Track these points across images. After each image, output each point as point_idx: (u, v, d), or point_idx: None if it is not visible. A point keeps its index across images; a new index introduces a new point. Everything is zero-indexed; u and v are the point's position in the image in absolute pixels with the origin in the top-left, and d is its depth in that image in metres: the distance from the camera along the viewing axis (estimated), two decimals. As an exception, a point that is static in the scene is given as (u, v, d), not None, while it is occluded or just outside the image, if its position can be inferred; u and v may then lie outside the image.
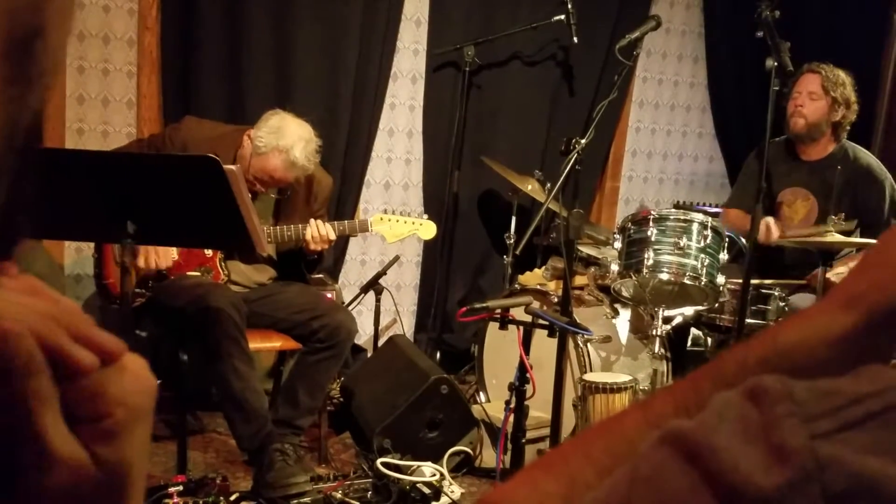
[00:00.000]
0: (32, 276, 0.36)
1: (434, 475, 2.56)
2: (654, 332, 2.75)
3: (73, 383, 0.34)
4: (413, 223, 2.86)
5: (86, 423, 0.34)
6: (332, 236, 2.72)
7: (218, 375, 2.51)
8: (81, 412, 0.34)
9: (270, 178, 2.65)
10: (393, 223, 2.83)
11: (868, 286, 0.46)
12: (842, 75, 3.10)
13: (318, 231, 2.68)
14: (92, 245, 3.04)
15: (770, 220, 3.11)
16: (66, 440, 0.33)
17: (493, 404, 3.05)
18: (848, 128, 3.16)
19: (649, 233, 2.73)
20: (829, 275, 2.82)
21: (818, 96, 3.09)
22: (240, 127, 2.78)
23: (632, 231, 2.80)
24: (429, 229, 2.89)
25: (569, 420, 2.73)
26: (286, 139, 2.60)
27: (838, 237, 2.70)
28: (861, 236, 3.11)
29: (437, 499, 2.51)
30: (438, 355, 3.71)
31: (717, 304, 2.92)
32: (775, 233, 3.06)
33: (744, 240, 3.33)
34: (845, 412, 0.33)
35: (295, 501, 2.44)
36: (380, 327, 3.36)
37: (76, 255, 3.36)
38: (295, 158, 2.60)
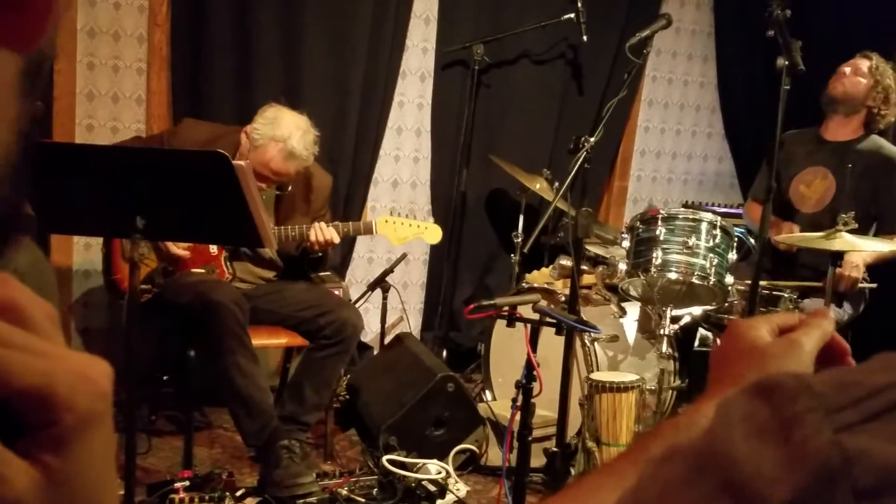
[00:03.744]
0: (9, 272, 0.35)
1: (440, 473, 2.56)
2: (661, 332, 2.74)
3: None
4: (419, 226, 2.81)
5: (32, 431, 0.32)
6: (336, 239, 2.70)
7: (221, 372, 2.51)
8: (26, 420, 0.32)
9: (269, 171, 2.61)
10: (398, 226, 2.79)
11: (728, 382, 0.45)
12: (890, 70, 3.15)
13: (322, 234, 2.67)
14: (100, 241, 3.05)
15: (790, 224, 3.12)
16: None
17: (499, 403, 3.04)
18: (881, 126, 3.18)
19: (658, 232, 2.71)
20: (843, 270, 2.83)
21: (863, 75, 3.14)
22: (238, 128, 2.76)
23: (640, 230, 2.79)
24: (434, 233, 2.85)
25: (575, 419, 2.72)
26: (282, 129, 2.58)
27: (848, 238, 2.68)
28: (878, 232, 3.10)
29: (443, 496, 2.51)
30: (445, 353, 3.71)
31: (725, 304, 2.90)
32: (791, 231, 3.08)
33: (753, 240, 3.33)
34: (866, 403, 0.32)
35: (301, 501, 2.44)
36: (386, 325, 3.36)
37: (84, 251, 3.37)
38: (292, 148, 2.57)
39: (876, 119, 3.15)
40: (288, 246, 2.79)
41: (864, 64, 3.15)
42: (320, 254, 2.77)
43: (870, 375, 0.34)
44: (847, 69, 3.16)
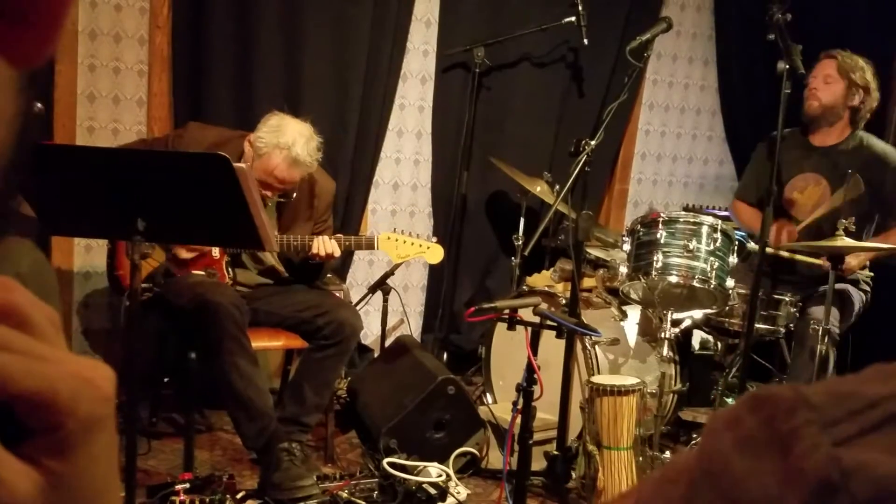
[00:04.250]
0: (10, 275, 0.35)
1: (440, 476, 2.56)
2: (662, 335, 2.74)
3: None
4: (420, 245, 2.80)
5: (34, 435, 0.32)
6: (338, 252, 2.70)
7: (220, 374, 2.51)
8: (29, 425, 0.32)
9: (274, 179, 2.61)
10: (400, 243, 2.79)
11: None
12: (860, 61, 3.08)
13: (325, 247, 2.66)
14: (101, 242, 3.05)
15: (787, 224, 3.10)
16: (1, 462, 0.31)
17: (499, 406, 3.04)
18: (868, 116, 3.12)
19: (659, 235, 2.72)
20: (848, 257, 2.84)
21: (833, 79, 3.07)
22: (244, 133, 2.76)
23: (641, 233, 2.79)
24: (436, 253, 2.83)
25: (576, 422, 2.72)
26: (286, 137, 2.58)
27: (849, 241, 2.69)
28: (875, 230, 3.09)
29: (443, 499, 2.51)
30: (445, 356, 3.71)
31: (726, 308, 2.90)
32: (786, 238, 3.07)
33: (753, 243, 3.32)
34: (864, 415, 0.32)
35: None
36: (387, 327, 3.36)
37: (85, 253, 3.37)
38: (297, 155, 2.57)
39: (863, 113, 3.11)
40: (289, 254, 2.79)
41: (830, 67, 3.09)
42: (320, 262, 2.78)
43: (866, 386, 0.34)
44: (815, 80, 3.10)
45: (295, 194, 2.78)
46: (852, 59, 3.07)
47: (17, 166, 0.35)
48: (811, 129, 3.19)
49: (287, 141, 2.58)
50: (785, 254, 3.07)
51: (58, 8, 0.33)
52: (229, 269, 2.79)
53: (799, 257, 3.06)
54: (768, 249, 2.90)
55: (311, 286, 2.93)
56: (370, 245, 2.80)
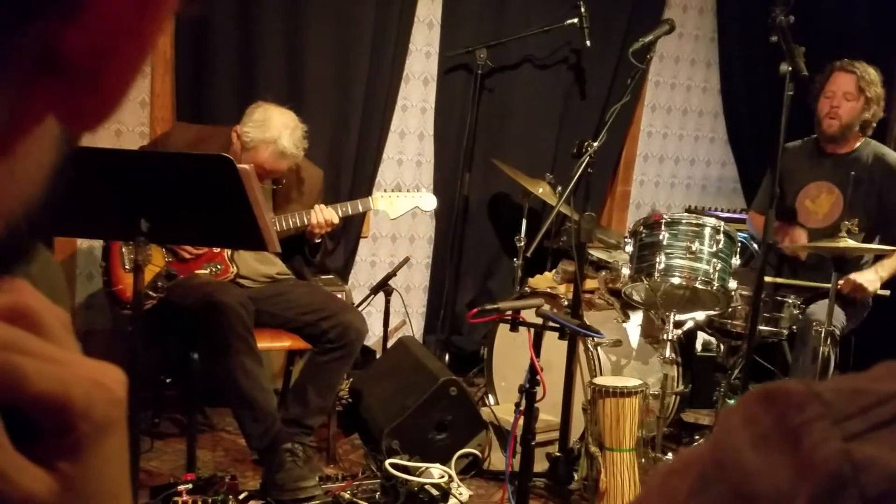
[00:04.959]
0: (21, 276, 0.35)
1: (442, 477, 2.56)
2: (664, 337, 2.74)
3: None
4: (413, 196, 2.94)
5: (47, 438, 0.32)
6: (336, 219, 2.74)
7: (226, 373, 2.51)
8: (42, 427, 0.32)
9: (263, 171, 2.65)
10: (394, 199, 2.91)
11: None
12: (873, 72, 3.07)
13: (322, 215, 2.70)
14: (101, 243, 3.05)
15: (798, 230, 3.09)
16: (14, 465, 0.31)
17: (501, 407, 3.04)
18: (874, 124, 3.13)
19: (661, 237, 2.72)
20: (858, 278, 2.88)
21: (853, 97, 3.05)
22: (225, 127, 2.78)
23: (644, 235, 2.79)
24: (429, 200, 2.97)
25: (578, 423, 2.72)
26: (272, 131, 2.63)
27: (852, 243, 2.68)
28: (883, 239, 3.08)
29: (445, 500, 2.51)
30: (447, 357, 3.71)
31: (728, 310, 2.90)
32: (799, 240, 3.07)
33: (756, 245, 3.32)
34: (875, 412, 0.32)
35: (304, 504, 2.45)
36: (389, 329, 3.36)
37: (88, 253, 3.38)
38: (283, 148, 2.63)
39: (871, 122, 3.11)
40: (289, 232, 2.80)
41: (849, 83, 3.05)
42: (318, 240, 2.78)
43: (876, 383, 0.34)
44: (834, 97, 3.07)
45: (284, 181, 2.82)
46: (869, 74, 3.05)
47: (42, 215, 0.35)
48: (825, 142, 3.19)
49: (273, 135, 2.62)
50: (789, 299, 3.05)
51: (129, 76, 0.32)
52: (233, 261, 2.79)
53: (805, 283, 3.06)
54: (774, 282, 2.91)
55: (315, 287, 2.93)
56: (366, 206, 2.87)
